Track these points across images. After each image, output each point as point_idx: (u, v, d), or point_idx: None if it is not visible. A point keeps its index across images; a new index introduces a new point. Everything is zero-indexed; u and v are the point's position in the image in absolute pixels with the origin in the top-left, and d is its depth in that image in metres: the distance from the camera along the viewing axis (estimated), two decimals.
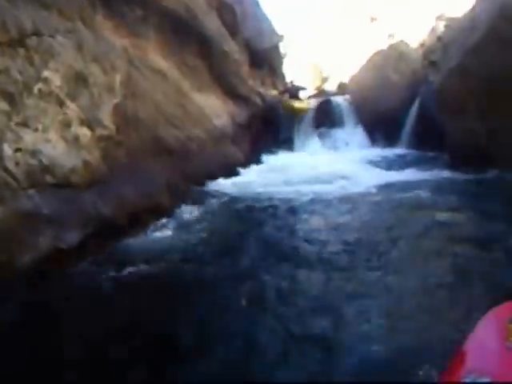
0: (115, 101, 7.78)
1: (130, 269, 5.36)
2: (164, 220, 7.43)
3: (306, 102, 17.91)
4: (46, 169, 5.92)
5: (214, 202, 8.76)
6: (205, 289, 4.91)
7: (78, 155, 6.53)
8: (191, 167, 9.75)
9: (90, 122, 6.99)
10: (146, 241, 6.57)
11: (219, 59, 13.34)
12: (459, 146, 10.61)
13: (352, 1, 31.67)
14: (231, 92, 13.97)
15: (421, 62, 17.08)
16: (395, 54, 16.71)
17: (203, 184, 9.97)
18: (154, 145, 8.77)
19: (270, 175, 11.39)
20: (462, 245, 5.53)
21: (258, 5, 20.42)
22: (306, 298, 4.49)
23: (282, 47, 25.43)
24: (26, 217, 5.38)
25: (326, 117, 16.67)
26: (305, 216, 7.66)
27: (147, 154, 8.36)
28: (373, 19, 29.70)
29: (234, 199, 8.91)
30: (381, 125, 15.02)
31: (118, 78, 8.05)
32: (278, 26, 22.67)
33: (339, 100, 17.60)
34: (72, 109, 6.70)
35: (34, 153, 5.84)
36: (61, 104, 6.54)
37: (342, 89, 20.99)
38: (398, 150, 14.32)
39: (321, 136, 16.41)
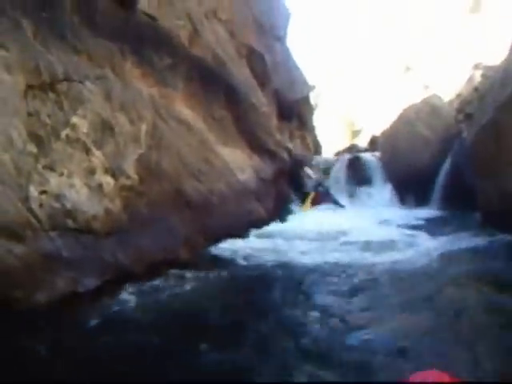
0: (140, 151, 8.42)
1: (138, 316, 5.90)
2: (179, 272, 7.82)
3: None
4: (69, 213, 6.54)
5: (229, 262, 8.95)
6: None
7: (100, 203, 7.15)
8: (211, 222, 10.22)
9: (113, 171, 7.63)
10: (158, 290, 6.99)
11: (246, 111, 13.92)
12: (492, 208, 10.68)
13: (386, 50, 32.42)
14: (257, 146, 14.47)
15: (454, 116, 17.55)
16: (427, 109, 17.27)
17: (222, 240, 10.41)
18: (175, 197, 9.30)
19: (289, 237, 11.40)
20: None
21: (289, 53, 21.03)
22: None
23: (313, 98, 26.18)
24: (46, 257, 6.00)
25: (354, 174, 17.45)
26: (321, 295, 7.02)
27: (168, 205, 8.91)
28: (408, 69, 30.31)
29: (250, 262, 8.99)
30: (411, 183, 15.47)
31: (143, 128, 8.71)
32: (310, 76, 23.43)
33: (368, 157, 18.42)
34: (97, 156, 7.37)
35: (58, 197, 6.47)
36: (87, 151, 7.22)
37: (373, 143, 21.58)
38: (428, 211, 14.57)
39: (349, 194, 17.03)
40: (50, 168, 6.55)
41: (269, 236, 11.50)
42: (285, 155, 16.26)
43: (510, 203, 9.96)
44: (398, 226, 12.42)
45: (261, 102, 15.22)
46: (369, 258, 8.99)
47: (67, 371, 4.47)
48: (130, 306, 6.21)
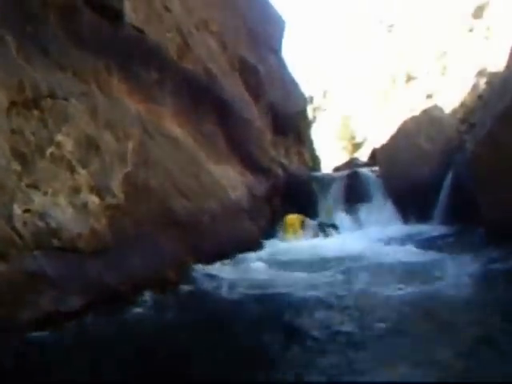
0: (126, 169, 8.78)
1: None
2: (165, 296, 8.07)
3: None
4: (53, 232, 6.88)
5: (216, 285, 8.93)
6: None
7: (85, 222, 7.49)
8: (201, 242, 10.48)
9: (99, 190, 7.98)
10: (142, 314, 7.24)
11: (239, 127, 14.33)
12: (494, 222, 10.76)
13: (387, 59, 32.78)
14: (250, 162, 14.87)
15: (457, 127, 17.77)
16: (427, 120, 17.59)
17: (213, 261, 10.55)
18: (163, 216, 9.59)
19: (281, 260, 11.39)
20: None
21: (284, 65, 21.51)
22: None
23: (311, 111, 26.54)
24: (30, 276, 6.34)
25: (352, 191, 17.60)
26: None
27: (155, 225, 9.20)
28: (410, 78, 30.63)
29: (240, 287, 8.76)
30: (412, 198, 15.61)
31: (130, 146, 9.08)
32: (307, 88, 23.72)
33: (367, 172, 18.62)
34: (82, 175, 7.74)
35: (43, 215, 6.82)
36: (72, 169, 7.59)
37: (374, 157, 21.55)
38: (430, 227, 14.72)
39: (347, 211, 17.19)
40: (34, 186, 6.89)
41: (261, 259, 11.42)
42: (279, 171, 16.60)
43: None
44: (405, 245, 12.17)
45: (254, 116, 15.58)
46: (385, 288, 7.85)
47: None
48: (104, 332, 6.50)
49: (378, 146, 20.91)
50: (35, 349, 5.73)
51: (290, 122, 20.28)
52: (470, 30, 26.84)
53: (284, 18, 21.65)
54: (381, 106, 31.89)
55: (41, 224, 6.75)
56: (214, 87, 13.36)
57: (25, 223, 6.53)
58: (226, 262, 10.96)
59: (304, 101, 23.11)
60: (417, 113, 18.88)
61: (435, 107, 18.90)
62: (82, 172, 7.80)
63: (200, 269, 9.89)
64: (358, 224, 16.69)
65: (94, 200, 7.87)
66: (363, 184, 17.91)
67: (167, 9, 11.87)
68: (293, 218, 15.45)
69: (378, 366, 4.93)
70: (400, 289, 7.70)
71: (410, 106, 24.88)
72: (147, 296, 7.77)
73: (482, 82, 21.36)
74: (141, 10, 10.66)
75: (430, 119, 17.65)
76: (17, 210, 6.50)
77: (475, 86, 21.71)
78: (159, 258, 8.84)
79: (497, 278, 8.24)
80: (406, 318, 6.45)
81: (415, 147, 16.93)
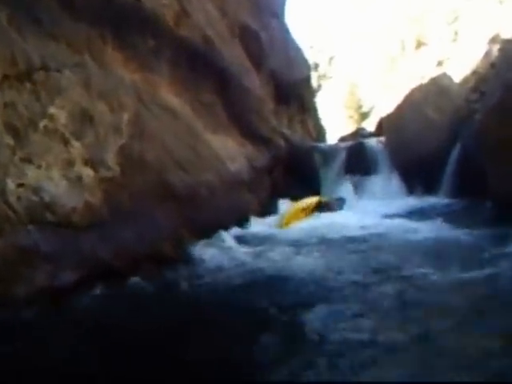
0: (121, 141, 8.96)
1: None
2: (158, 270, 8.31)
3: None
4: (47, 206, 7.13)
5: (215, 259, 9.20)
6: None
7: (79, 195, 7.72)
8: (199, 215, 10.67)
9: (93, 163, 8.19)
10: (138, 288, 7.55)
11: (238, 96, 14.40)
12: (502, 194, 10.82)
13: (397, 25, 32.51)
14: (250, 133, 14.97)
15: (466, 96, 17.60)
16: (435, 89, 17.50)
17: (212, 235, 10.79)
18: (160, 189, 9.77)
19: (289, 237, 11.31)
20: None
21: (287, 31, 21.32)
22: None
23: (316, 79, 26.44)
24: (24, 251, 6.63)
25: (357, 162, 17.52)
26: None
27: (152, 198, 9.39)
28: (420, 44, 30.33)
29: (239, 261, 9.10)
30: (419, 171, 15.64)
31: (125, 117, 9.24)
32: (312, 55, 23.57)
33: (373, 143, 18.58)
34: (76, 148, 7.95)
35: (36, 189, 7.06)
36: (65, 142, 7.80)
37: (381, 127, 21.47)
38: (437, 200, 14.82)
39: (351, 184, 17.12)
40: (28, 160, 7.12)
41: (263, 235, 11.57)
42: (281, 142, 16.66)
43: None
44: (422, 220, 11.90)
45: (255, 84, 15.60)
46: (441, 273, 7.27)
47: None
48: (98, 306, 6.81)
49: (385, 115, 20.82)
50: (29, 325, 5.99)
51: (293, 91, 20.19)
52: None
53: None
54: (389, 73, 31.76)
55: (35, 198, 6.99)
56: (212, 55, 13.36)
57: (19, 198, 6.78)
58: (226, 234, 11.11)
59: (308, 68, 23.01)
60: (426, 81, 18.78)
61: (444, 75, 18.80)
62: (76, 145, 7.99)
63: (197, 243, 10.08)
64: (363, 197, 16.58)
65: (88, 173, 8.07)
66: (368, 155, 17.88)
67: None
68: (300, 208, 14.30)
69: None
70: (457, 272, 7.16)
71: (420, 74, 24.78)
72: (143, 271, 8.01)
73: (495, 48, 21.08)
74: None
75: (438, 88, 17.53)
76: (10, 184, 6.75)
77: (488, 53, 21.53)
78: (155, 232, 9.06)
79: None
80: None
81: (422, 117, 16.88)
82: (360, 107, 31.99)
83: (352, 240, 10.26)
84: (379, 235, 10.56)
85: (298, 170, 17.21)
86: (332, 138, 27.04)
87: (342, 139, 23.83)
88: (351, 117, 31.84)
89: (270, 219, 13.71)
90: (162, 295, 7.42)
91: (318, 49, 36.05)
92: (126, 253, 8.03)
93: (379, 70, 33.05)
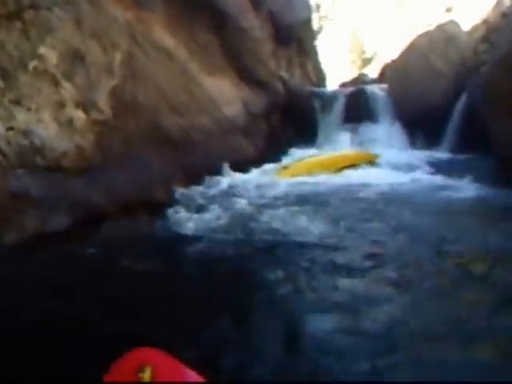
0: (113, 82, 9.02)
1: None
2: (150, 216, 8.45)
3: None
4: (38, 150, 7.26)
5: (205, 209, 9.19)
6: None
7: (70, 139, 7.84)
8: (193, 160, 10.85)
9: (85, 105, 8.28)
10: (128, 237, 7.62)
11: (235, 36, 14.31)
12: (507, 148, 10.73)
13: None
14: (247, 75, 14.95)
15: (474, 46, 17.42)
16: (442, 37, 17.32)
17: (205, 181, 11.01)
18: (153, 133, 9.92)
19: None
20: None
21: None
22: None
23: (318, 20, 26.16)
24: (14, 196, 6.78)
25: (358, 109, 17.38)
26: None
27: (145, 142, 9.54)
28: None
29: (232, 207, 9.28)
30: (422, 122, 15.51)
31: (117, 57, 9.27)
32: None
33: (375, 90, 18.43)
34: (67, 89, 8.02)
35: (26, 133, 7.18)
36: (56, 84, 7.86)
37: (384, 74, 21.51)
38: (440, 154, 14.84)
39: (350, 132, 17.13)
40: (17, 102, 7.20)
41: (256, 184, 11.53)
42: (279, 86, 16.65)
43: None
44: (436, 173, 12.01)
45: (252, 25, 15.44)
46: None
47: None
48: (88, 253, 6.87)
49: (388, 62, 20.67)
50: (21, 271, 6.15)
51: (293, 33, 20.01)
52: None
53: None
54: (395, 17, 31.49)
55: (25, 142, 7.11)
56: None
57: (8, 142, 6.89)
58: (218, 180, 11.31)
59: (309, 9, 22.74)
60: (433, 28, 18.54)
61: (452, 23, 18.50)
62: (67, 86, 8.05)
63: (190, 188, 10.29)
64: (361, 146, 16.32)
65: (79, 116, 8.16)
66: (369, 102, 17.80)
67: None
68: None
69: None
70: None
71: (427, 20, 24.57)
72: (135, 217, 8.20)
73: None
74: None
75: (445, 36, 17.37)
76: (0, 128, 6.84)
77: (499, 2, 21.25)
78: (148, 176, 9.21)
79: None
80: None
81: (427, 66, 16.80)
82: (363, 52, 31.77)
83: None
84: (420, 194, 10.15)
85: (296, 117, 17.21)
86: (333, 83, 26.93)
87: (343, 85, 23.82)
88: (353, 62, 31.66)
89: (269, 167, 13.64)
90: (150, 243, 7.47)
91: None
92: (117, 198, 8.18)
93: (385, 13, 32.72)
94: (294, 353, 4.42)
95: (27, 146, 7.13)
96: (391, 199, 9.67)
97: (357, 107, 17.53)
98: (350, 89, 19.39)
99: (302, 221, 8.32)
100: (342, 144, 16.58)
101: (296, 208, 9.17)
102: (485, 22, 20.12)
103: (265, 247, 7.19)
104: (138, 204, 8.42)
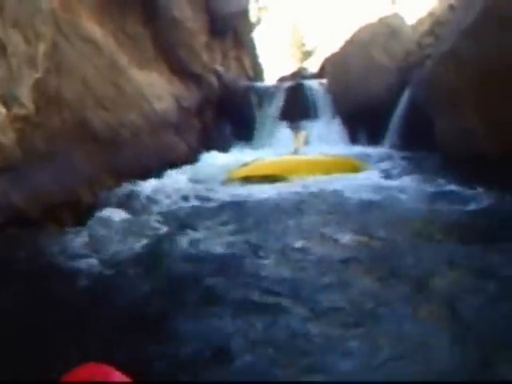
0: (36, 75, 8.81)
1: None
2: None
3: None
4: None
5: (139, 206, 9.45)
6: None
7: None
8: (121, 159, 10.79)
9: (5, 99, 8.04)
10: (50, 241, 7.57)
11: (167, 28, 14.31)
12: (449, 145, 11.10)
13: None
14: (180, 69, 14.97)
15: (418, 40, 17.54)
16: (386, 31, 17.53)
17: (134, 180, 10.91)
18: (79, 130, 9.77)
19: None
20: None
21: None
22: None
23: (256, 11, 26.14)
24: None
25: (296, 105, 17.58)
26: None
27: (70, 139, 9.38)
28: None
29: (162, 206, 9.54)
30: (364, 118, 15.78)
31: (41, 48, 9.05)
32: None
33: (314, 85, 18.71)
34: None
35: None
36: None
37: (324, 69, 21.24)
38: (383, 151, 15.04)
39: (289, 129, 16.69)
40: None
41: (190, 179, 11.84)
42: (213, 80, 16.64)
43: (471, 139, 10.30)
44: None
45: (185, 15, 15.42)
46: None
47: None
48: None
49: (328, 55, 20.81)
50: None
51: (229, 23, 19.88)
52: None
53: None
54: (337, 9, 31.73)
55: None
56: None
57: None
58: (149, 179, 11.29)
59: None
60: (375, 20, 18.65)
61: (395, 15, 18.84)
62: None
63: (117, 188, 10.25)
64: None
65: None
66: (309, 98, 18.11)
67: None
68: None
69: None
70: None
71: (371, 12, 24.85)
72: (59, 220, 8.09)
73: None
74: None
75: (387, 29, 17.62)
76: None
77: None
78: (73, 176, 9.10)
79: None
80: None
81: (369, 60, 17.00)
82: (303, 45, 31.94)
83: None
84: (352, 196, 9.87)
85: (232, 113, 17.32)
86: (271, 77, 26.91)
87: (282, 79, 23.84)
88: (293, 55, 31.82)
89: (200, 167, 13.75)
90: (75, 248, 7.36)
91: None
92: (40, 199, 8.03)
93: (327, 5, 32.97)
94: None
95: None
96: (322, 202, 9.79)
97: (295, 103, 17.76)
98: (289, 83, 19.54)
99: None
100: (280, 142, 16.51)
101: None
102: (430, 14, 20.37)
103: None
104: (63, 207, 8.32)
